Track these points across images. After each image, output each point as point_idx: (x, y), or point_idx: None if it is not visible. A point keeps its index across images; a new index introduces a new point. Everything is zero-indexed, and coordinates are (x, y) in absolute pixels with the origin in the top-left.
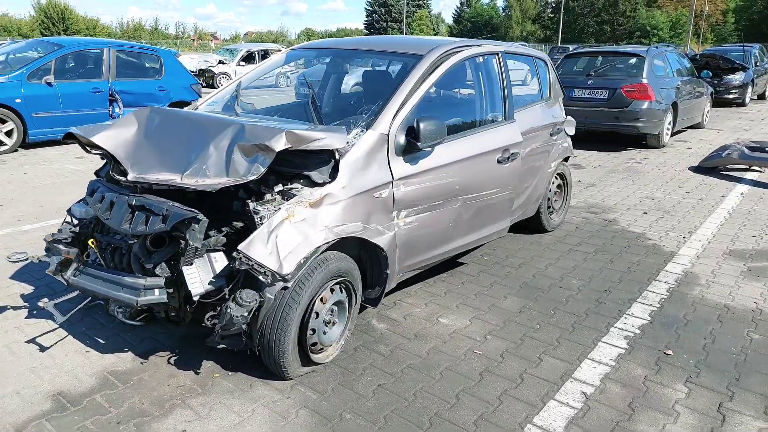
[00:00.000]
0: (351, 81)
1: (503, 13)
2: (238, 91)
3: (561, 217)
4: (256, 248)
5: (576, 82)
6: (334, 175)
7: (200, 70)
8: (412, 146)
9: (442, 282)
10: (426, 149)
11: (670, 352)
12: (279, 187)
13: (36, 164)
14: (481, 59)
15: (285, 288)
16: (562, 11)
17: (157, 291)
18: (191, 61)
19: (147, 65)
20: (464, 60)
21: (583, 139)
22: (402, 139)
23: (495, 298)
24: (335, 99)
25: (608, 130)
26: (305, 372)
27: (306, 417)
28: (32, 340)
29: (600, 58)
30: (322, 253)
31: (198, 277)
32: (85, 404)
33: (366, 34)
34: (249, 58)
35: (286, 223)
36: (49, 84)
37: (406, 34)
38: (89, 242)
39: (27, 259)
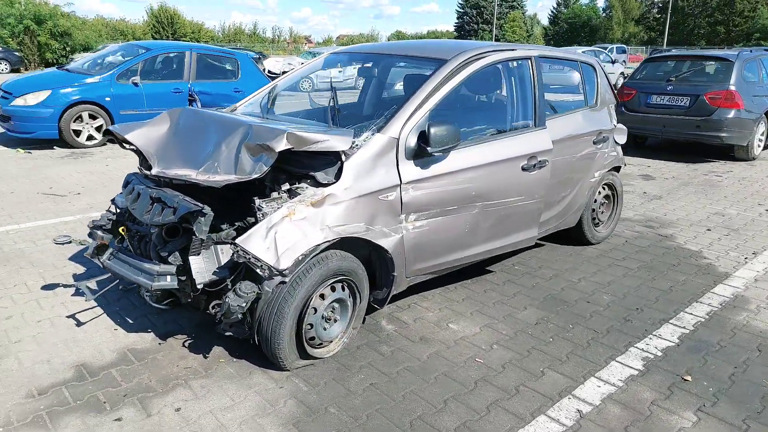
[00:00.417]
0: (378, 85)
1: (603, 14)
2: (272, 94)
3: (608, 230)
4: (254, 242)
5: (655, 87)
6: (339, 176)
7: (283, 72)
8: (422, 150)
9: (464, 288)
10: (436, 154)
11: (689, 377)
12: (287, 186)
13: (117, 158)
14: (513, 64)
15: (283, 282)
16: (670, 11)
17: (169, 278)
18: (276, 64)
19: (225, 68)
20: (490, 65)
21: (661, 149)
22: (413, 143)
23: (514, 308)
24: (361, 102)
25: (688, 139)
26: (303, 365)
27: (292, 407)
28: (72, 315)
29: (684, 62)
30: (322, 251)
31: (203, 267)
32: (101, 376)
33: (455, 37)
34: None
35: (286, 220)
36: (136, 84)
37: (497, 35)
38: (120, 230)
39: (70, 241)
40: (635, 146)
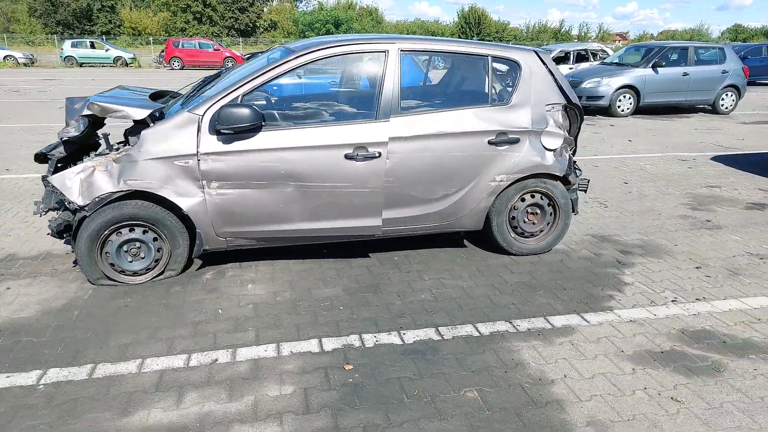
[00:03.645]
0: None
1: None
2: (205, 83)
3: (544, 243)
4: (60, 181)
5: None
6: None
7: None
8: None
9: (315, 263)
10: (225, 132)
11: (350, 367)
12: (116, 146)
13: None
14: (363, 57)
15: (85, 216)
16: None
17: (42, 205)
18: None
19: None
20: (321, 59)
21: None
22: None
23: (323, 286)
24: None
25: None
26: (108, 283)
27: (59, 303)
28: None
29: None
30: (118, 198)
31: (51, 198)
32: (10, 262)
33: None
34: (563, 59)
35: (91, 169)
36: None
37: None
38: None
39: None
40: None
